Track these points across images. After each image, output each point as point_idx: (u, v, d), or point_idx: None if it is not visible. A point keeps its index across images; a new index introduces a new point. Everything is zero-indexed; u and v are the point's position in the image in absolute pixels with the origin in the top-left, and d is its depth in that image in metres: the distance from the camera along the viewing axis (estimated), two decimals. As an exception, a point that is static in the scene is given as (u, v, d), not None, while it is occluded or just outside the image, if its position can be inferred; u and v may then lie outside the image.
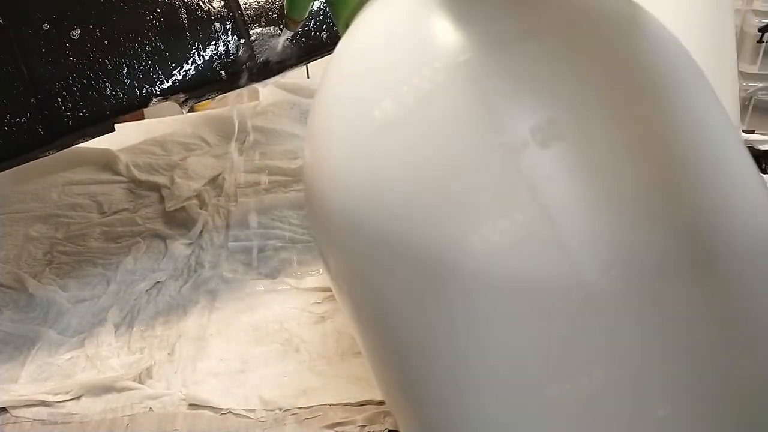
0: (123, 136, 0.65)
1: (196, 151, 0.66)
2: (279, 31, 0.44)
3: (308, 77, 0.84)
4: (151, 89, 0.41)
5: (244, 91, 0.52)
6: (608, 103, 0.23)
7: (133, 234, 0.54)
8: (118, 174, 0.63)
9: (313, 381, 0.41)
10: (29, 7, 0.40)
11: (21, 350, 0.43)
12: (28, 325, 0.45)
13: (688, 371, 0.22)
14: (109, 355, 0.43)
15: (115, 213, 0.58)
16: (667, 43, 0.25)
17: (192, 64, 0.42)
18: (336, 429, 0.37)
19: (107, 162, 0.64)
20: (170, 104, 0.43)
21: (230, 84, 0.44)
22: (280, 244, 0.52)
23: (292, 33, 0.44)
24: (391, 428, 0.37)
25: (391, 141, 0.23)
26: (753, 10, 0.61)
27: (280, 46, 0.44)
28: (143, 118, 0.74)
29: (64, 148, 0.42)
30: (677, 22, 0.27)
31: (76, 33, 0.40)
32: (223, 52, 0.42)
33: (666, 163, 0.22)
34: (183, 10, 0.42)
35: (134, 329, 0.45)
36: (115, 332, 0.45)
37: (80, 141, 0.43)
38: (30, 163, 0.43)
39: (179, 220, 0.55)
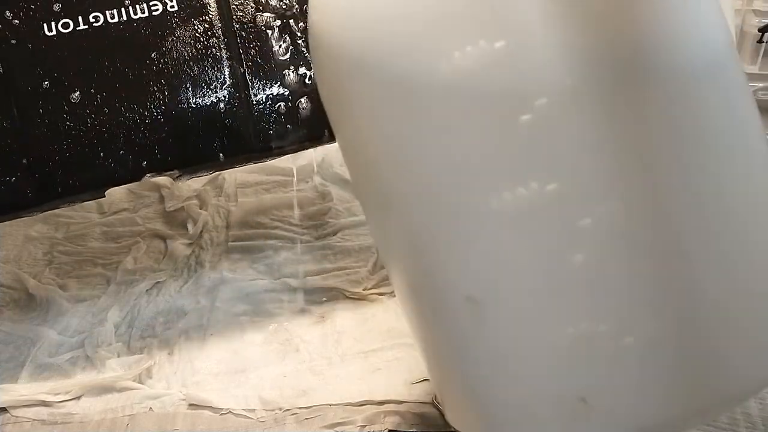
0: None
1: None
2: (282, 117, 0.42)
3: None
4: (146, 162, 0.40)
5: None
6: None
7: (133, 234, 0.54)
8: (118, 174, 0.63)
9: (313, 381, 0.41)
10: (32, 59, 0.38)
11: (21, 350, 0.43)
12: (28, 325, 0.45)
13: (624, 181, 0.25)
14: (109, 355, 0.43)
15: (115, 213, 0.57)
16: None
17: (190, 144, 0.40)
18: (336, 429, 0.37)
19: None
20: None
21: (227, 165, 0.42)
22: (280, 244, 0.52)
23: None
24: (390, 428, 0.37)
25: None
26: (753, 10, 0.61)
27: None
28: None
29: (49, 210, 0.41)
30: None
31: (76, 96, 0.38)
32: (224, 134, 0.41)
33: None
34: (188, 84, 0.39)
35: (134, 329, 0.45)
36: (115, 332, 0.45)
37: (66, 206, 0.41)
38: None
39: (179, 220, 0.55)
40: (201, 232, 0.53)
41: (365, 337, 0.44)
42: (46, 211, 0.40)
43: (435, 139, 0.26)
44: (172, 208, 0.56)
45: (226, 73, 0.40)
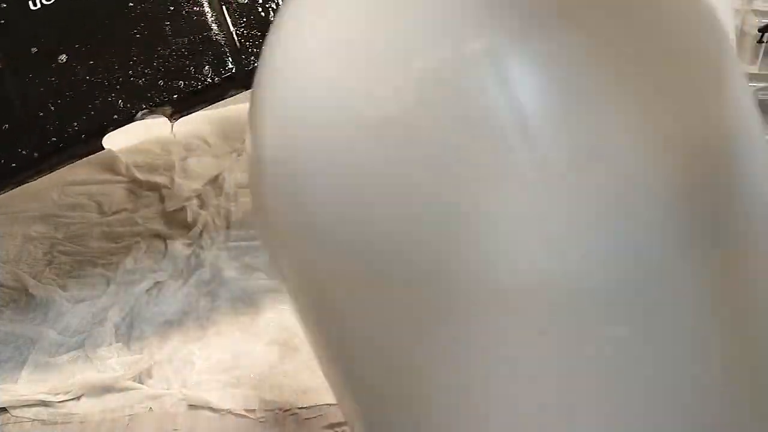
0: (123, 136, 0.65)
1: (196, 150, 0.66)
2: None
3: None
4: (139, 102, 0.40)
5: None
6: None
7: (133, 234, 0.54)
8: (118, 174, 0.62)
9: (313, 381, 0.41)
10: (19, 32, 0.39)
11: (21, 350, 0.43)
12: (27, 325, 0.45)
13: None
14: (109, 355, 0.43)
15: (115, 213, 0.57)
16: None
17: (179, 76, 0.41)
18: (336, 429, 0.37)
19: (107, 162, 0.63)
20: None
21: (220, 94, 0.42)
22: (280, 244, 0.52)
23: None
24: (391, 428, 0.37)
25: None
26: (753, 10, 0.61)
27: None
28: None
29: (51, 171, 0.41)
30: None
31: (62, 58, 0.39)
32: (214, 65, 0.41)
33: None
34: (167, 23, 0.41)
35: (134, 329, 0.45)
36: (115, 332, 0.45)
37: (68, 163, 0.41)
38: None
39: (179, 220, 0.55)
40: (201, 232, 0.53)
41: (365, 337, 0.44)
42: (47, 172, 0.40)
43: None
44: (172, 208, 0.56)
45: (204, 4, 0.41)
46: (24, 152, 0.38)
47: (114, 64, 0.39)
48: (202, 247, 0.52)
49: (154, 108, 0.39)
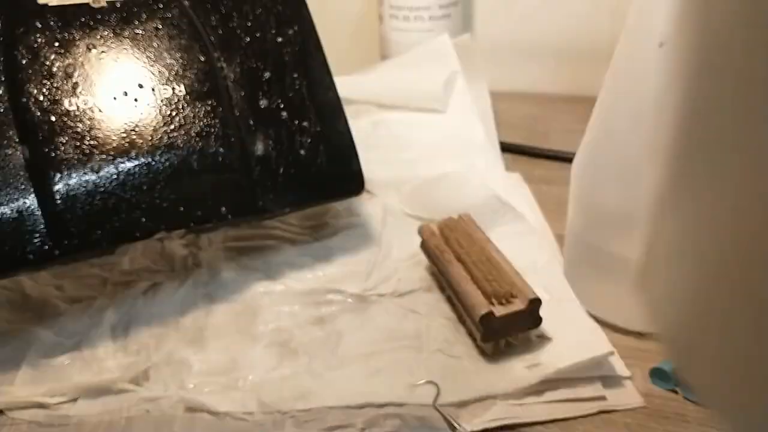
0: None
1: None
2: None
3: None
4: (159, 223, 0.43)
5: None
6: None
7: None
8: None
9: (312, 383, 0.40)
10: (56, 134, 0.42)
11: (16, 352, 0.43)
12: (23, 326, 0.45)
13: None
14: (105, 357, 0.42)
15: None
16: None
17: (198, 205, 0.44)
18: (335, 432, 0.37)
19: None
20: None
21: (232, 223, 0.47)
22: (278, 245, 0.52)
23: None
24: (390, 431, 0.37)
25: None
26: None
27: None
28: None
29: (65, 265, 0.44)
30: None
31: (96, 165, 0.42)
32: (232, 204, 0.45)
33: None
34: (195, 157, 0.44)
35: (131, 330, 0.44)
36: (112, 334, 0.44)
37: (85, 260, 0.44)
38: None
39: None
40: (198, 232, 0.53)
41: (365, 338, 0.44)
42: (62, 265, 0.43)
43: None
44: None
45: (229, 145, 0.45)
46: (45, 246, 0.39)
47: (143, 185, 0.42)
48: (199, 248, 0.51)
49: (171, 229, 0.42)
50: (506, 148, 0.71)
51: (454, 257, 0.46)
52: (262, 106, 0.47)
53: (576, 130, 0.78)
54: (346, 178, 0.50)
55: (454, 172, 0.56)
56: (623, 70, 0.39)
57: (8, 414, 0.39)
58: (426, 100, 0.70)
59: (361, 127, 0.71)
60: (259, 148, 0.46)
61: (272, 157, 0.46)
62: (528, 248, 0.50)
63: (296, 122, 0.48)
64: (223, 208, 0.44)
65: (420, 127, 0.69)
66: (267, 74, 0.48)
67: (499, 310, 0.40)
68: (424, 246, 0.49)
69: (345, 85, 0.75)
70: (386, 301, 0.47)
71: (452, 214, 0.51)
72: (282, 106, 0.48)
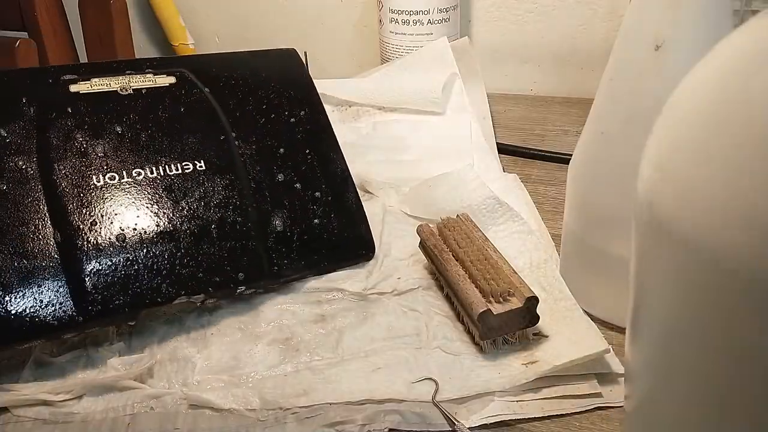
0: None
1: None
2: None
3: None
4: (179, 289, 0.44)
5: (244, 91, 0.52)
6: None
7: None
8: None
9: (314, 380, 0.41)
10: (81, 204, 0.43)
11: (22, 350, 0.43)
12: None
13: None
14: (110, 354, 0.43)
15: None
16: None
17: (218, 278, 0.45)
18: (336, 428, 0.37)
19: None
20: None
21: (246, 291, 0.47)
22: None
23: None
24: (390, 427, 0.37)
25: None
26: (752, 11, 0.61)
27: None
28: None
29: (86, 332, 0.43)
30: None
31: (119, 234, 0.43)
32: (248, 273, 0.46)
33: None
34: (214, 227, 0.46)
35: (135, 328, 0.45)
36: (117, 331, 0.45)
37: (108, 326, 0.45)
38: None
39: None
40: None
41: (365, 336, 0.44)
42: (83, 333, 0.43)
43: None
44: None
45: (246, 214, 0.47)
46: (70, 314, 0.40)
47: (164, 253, 0.44)
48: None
49: (191, 295, 0.44)
50: (504, 149, 0.71)
51: (453, 256, 0.46)
52: (278, 180, 0.50)
53: (572, 132, 0.79)
54: (357, 243, 0.51)
55: (453, 173, 0.56)
56: (619, 72, 0.40)
57: (13, 411, 0.39)
58: (425, 103, 0.71)
59: (361, 128, 0.71)
60: (275, 217, 0.48)
61: (287, 225, 0.49)
62: (525, 247, 0.51)
63: (309, 193, 0.51)
64: (241, 274, 0.45)
65: (419, 128, 0.70)
66: (281, 150, 0.51)
67: (497, 308, 0.41)
68: (423, 245, 0.50)
69: (346, 87, 0.76)
70: (386, 299, 0.48)
71: (451, 214, 0.52)
72: (295, 178, 0.50)
